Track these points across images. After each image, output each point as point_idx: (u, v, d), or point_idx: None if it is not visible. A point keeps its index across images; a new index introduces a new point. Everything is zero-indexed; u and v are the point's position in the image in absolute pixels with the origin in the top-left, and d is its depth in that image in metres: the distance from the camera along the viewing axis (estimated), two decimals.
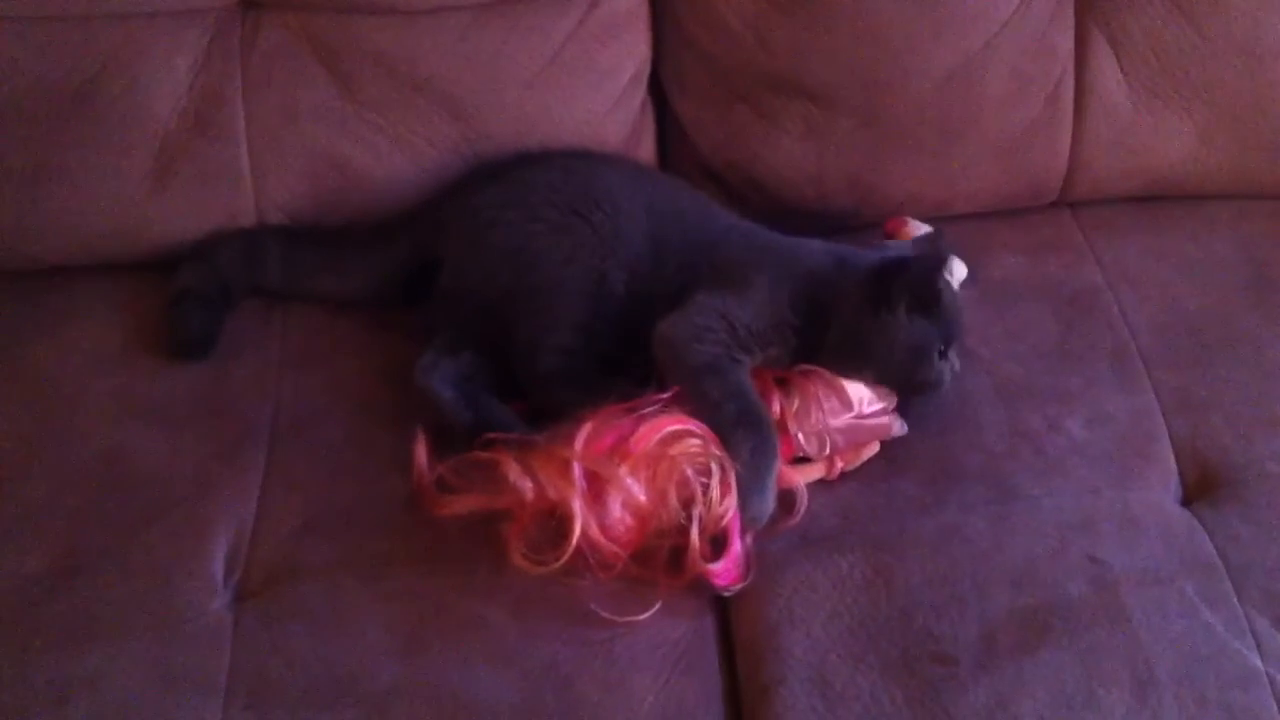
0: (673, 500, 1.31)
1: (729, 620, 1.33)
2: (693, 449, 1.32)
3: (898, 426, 1.42)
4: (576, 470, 1.30)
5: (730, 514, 1.32)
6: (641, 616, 1.29)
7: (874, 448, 1.42)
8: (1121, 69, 1.64)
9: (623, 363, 1.46)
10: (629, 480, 1.30)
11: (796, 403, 1.39)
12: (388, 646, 1.28)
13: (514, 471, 1.31)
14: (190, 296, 1.56)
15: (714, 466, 1.32)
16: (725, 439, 1.34)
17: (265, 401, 1.50)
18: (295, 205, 1.62)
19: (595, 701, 1.25)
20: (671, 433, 1.33)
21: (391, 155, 1.61)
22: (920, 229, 1.61)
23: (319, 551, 1.36)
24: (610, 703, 1.25)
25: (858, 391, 1.40)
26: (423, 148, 1.61)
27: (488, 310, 1.49)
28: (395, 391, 1.48)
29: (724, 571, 1.31)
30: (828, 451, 1.39)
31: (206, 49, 1.56)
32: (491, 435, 1.36)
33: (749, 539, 1.34)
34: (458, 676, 1.26)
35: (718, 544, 1.32)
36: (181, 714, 1.24)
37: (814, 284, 1.43)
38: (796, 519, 1.37)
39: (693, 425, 1.34)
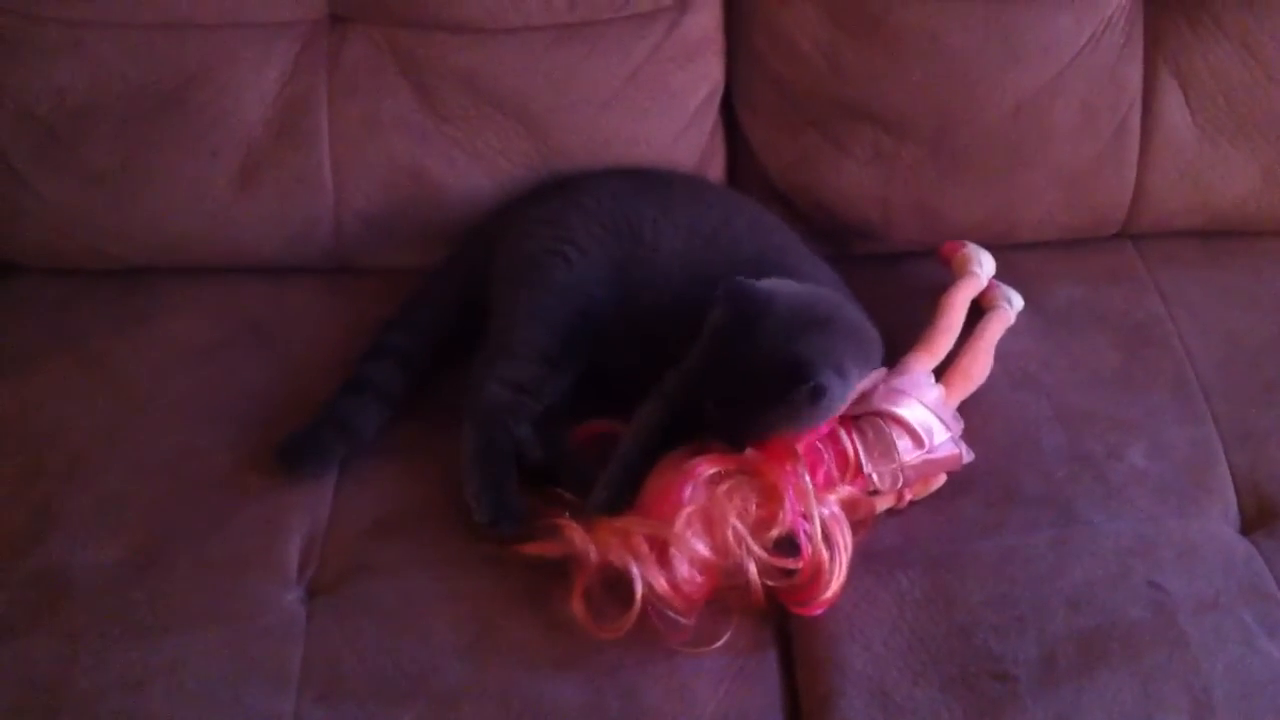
0: (733, 547, 1.32)
1: (789, 631, 1.35)
2: (732, 488, 1.34)
3: (966, 455, 1.43)
4: (638, 539, 1.31)
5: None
6: (715, 646, 1.31)
7: (942, 478, 1.44)
8: (1188, 105, 1.65)
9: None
10: (691, 539, 1.31)
11: (871, 442, 1.39)
12: (455, 645, 1.31)
13: (579, 538, 1.32)
14: (335, 423, 1.49)
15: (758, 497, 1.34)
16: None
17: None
18: (373, 213, 1.65)
19: (658, 706, 1.28)
20: (710, 477, 1.34)
21: (468, 168, 1.64)
22: (978, 253, 1.63)
23: (390, 550, 1.40)
24: (673, 708, 1.28)
25: (925, 423, 1.40)
26: (498, 162, 1.64)
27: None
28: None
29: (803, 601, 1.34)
30: (900, 486, 1.40)
31: (295, 60, 1.60)
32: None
33: (843, 566, 1.34)
34: (524, 677, 1.29)
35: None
36: (254, 704, 1.27)
37: None
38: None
39: (727, 463, 1.35)
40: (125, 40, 1.57)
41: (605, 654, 1.30)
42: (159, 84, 1.58)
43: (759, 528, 1.33)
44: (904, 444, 1.38)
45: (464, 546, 1.39)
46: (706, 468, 1.34)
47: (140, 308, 1.64)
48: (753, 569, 1.32)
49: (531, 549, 1.35)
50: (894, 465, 1.38)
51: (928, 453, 1.39)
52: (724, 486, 1.34)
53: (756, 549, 1.32)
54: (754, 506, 1.34)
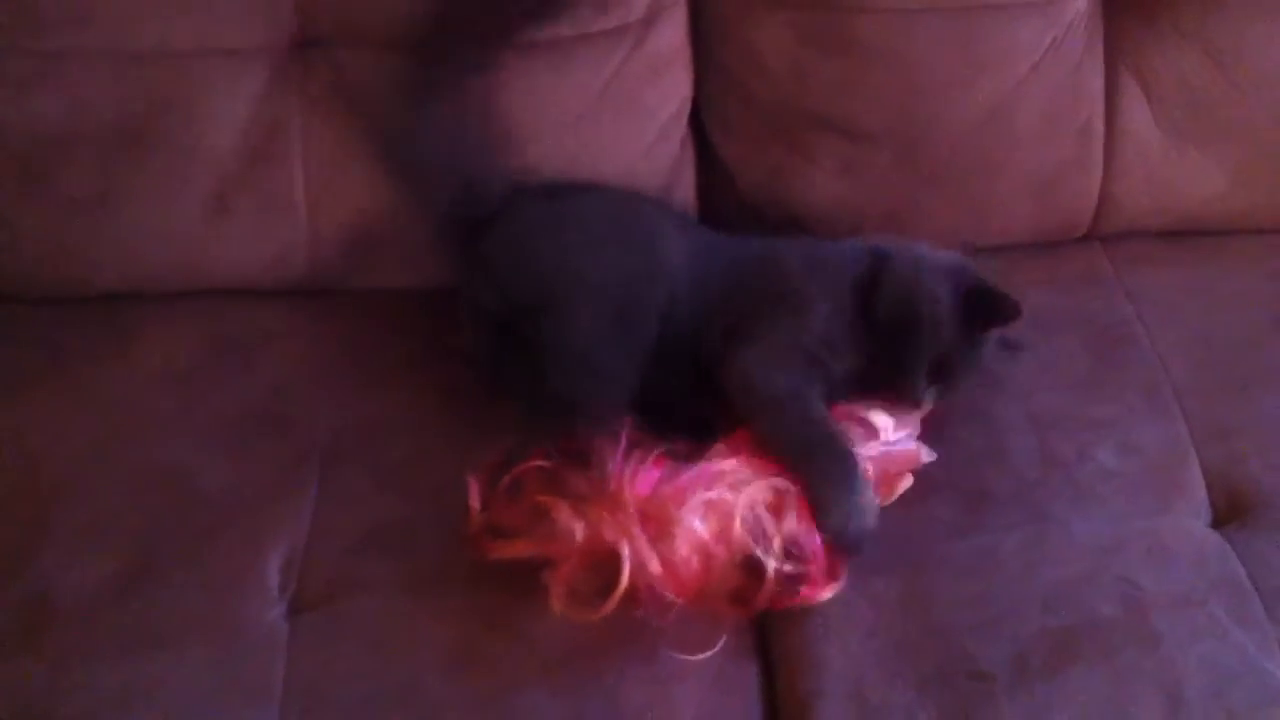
0: (740, 540, 1.32)
1: (768, 634, 1.37)
2: (754, 491, 1.35)
3: (925, 454, 1.45)
4: (630, 516, 1.31)
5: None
6: (709, 653, 1.31)
7: (908, 480, 1.44)
8: (1151, 110, 1.67)
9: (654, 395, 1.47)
10: (695, 523, 1.32)
11: None
12: (437, 660, 1.32)
13: (565, 515, 1.33)
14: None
15: (771, 496, 1.35)
16: (802, 465, 1.37)
17: (323, 420, 1.55)
18: (347, 238, 1.66)
19: (639, 712, 1.29)
20: (735, 478, 1.35)
21: None
22: None
23: (371, 567, 1.40)
24: (654, 714, 1.29)
25: (880, 420, 1.43)
26: None
27: (521, 319, 1.51)
28: (451, 415, 1.52)
29: (811, 590, 1.35)
30: None
31: (267, 85, 1.61)
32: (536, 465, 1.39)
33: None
34: (506, 691, 1.30)
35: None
36: None
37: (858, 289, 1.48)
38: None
39: (741, 464, 1.37)
40: (99, 69, 1.59)
41: (585, 661, 1.31)
42: (133, 112, 1.59)
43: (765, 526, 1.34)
44: (859, 433, 1.40)
45: (444, 564, 1.40)
46: (719, 466, 1.35)
47: (122, 333, 1.65)
48: (772, 564, 1.32)
49: (517, 549, 1.35)
50: None
51: (884, 445, 1.41)
52: (743, 495, 1.34)
53: (776, 541, 1.32)
54: (763, 509, 1.34)
